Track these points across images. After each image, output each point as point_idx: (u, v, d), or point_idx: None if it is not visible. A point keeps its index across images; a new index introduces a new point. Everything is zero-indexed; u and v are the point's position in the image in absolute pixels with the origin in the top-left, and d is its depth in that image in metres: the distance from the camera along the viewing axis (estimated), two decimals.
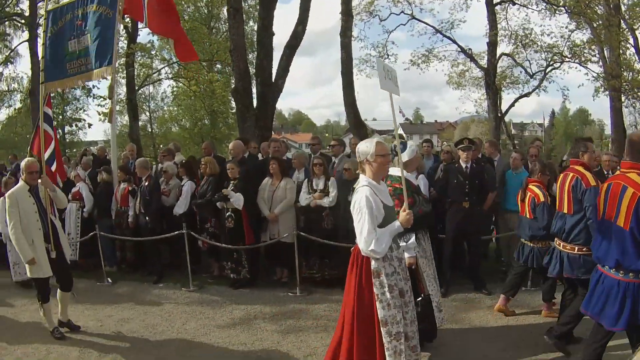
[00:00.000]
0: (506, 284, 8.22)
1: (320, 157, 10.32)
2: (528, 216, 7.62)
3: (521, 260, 7.80)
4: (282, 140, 13.08)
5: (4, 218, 10.45)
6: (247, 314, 8.69)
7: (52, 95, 9.84)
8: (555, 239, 6.52)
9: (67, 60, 9.87)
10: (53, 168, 9.18)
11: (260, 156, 12.21)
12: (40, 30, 30.73)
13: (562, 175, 6.47)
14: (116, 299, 9.87)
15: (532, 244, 7.57)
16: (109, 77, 10.65)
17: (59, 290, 8.11)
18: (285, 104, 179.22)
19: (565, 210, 6.24)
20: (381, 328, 4.76)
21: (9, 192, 7.86)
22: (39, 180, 7.94)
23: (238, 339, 7.58)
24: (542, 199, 7.43)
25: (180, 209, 10.95)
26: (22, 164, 8.04)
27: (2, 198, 10.78)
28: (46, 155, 8.91)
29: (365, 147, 4.97)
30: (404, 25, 28.26)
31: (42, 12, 29.52)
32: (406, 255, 5.50)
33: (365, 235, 4.69)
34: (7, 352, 7.59)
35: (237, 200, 9.87)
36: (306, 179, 10.13)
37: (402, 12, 27.34)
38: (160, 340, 7.73)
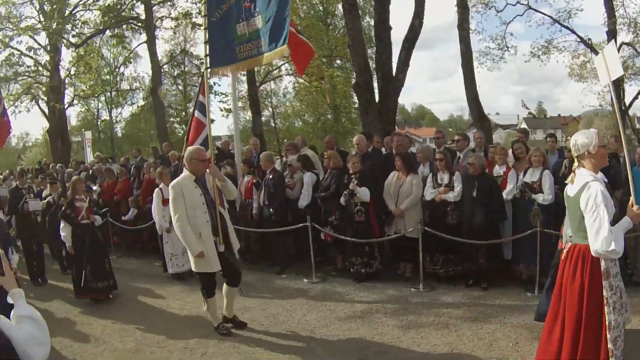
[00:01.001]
0: None
1: (443, 152, 10.18)
2: None
3: None
4: (405, 134, 13.01)
5: (161, 209, 11.33)
6: (368, 307, 8.66)
7: (206, 84, 9.48)
8: None
9: (236, 44, 9.48)
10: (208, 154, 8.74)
11: (384, 150, 12.13)
12: (158, 32, 32.25)
13: None
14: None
15: None
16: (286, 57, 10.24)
17: (225, 285, 7.94)
18: (408, 99, 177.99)
19: None
20: (607, 333, 4.53)
21: (173, 182, 7.60)
22: (207, 170, 7.68)
23: (358, 332, 7.59)
24: None
25: (304, 201, 11.07)
26: (188, 151, 7.74)
27: (156, 189, 11.36)
28: (198, 142, 9.06)
29: (585, 138, 4.74)
30: (521, 15, 27.86)
31: (157, 14, 30.89)
32: None
33: (605, 234, 4.38)
34: (127, 333, 8.17)
35: (364, 193, 9.87)
36: (431, 174, 10.02)
37: (518, 2, 26.89)
38: (280, 331, 7.85)
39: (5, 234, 8.67)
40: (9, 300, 3.34)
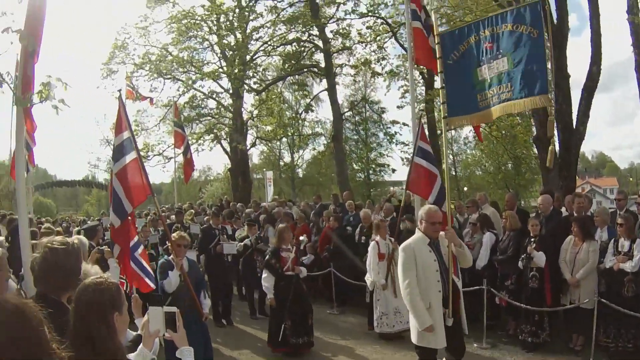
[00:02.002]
0: None
1: (624, 216, 9.81)
2: None
3: None
4: (585, 195, 12.82)
5: (376, 264, 11.11)
6: None
7: (445, 133, 8.97)
8: None
9: (477, 91, 8.23)
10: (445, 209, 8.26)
11: (564, 210, 11.97)
12: (339, 79, 33.19)
13: None
14: (409, 345, 10.34)
15: None
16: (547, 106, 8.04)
17: None
18: (588, 146, 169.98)
19: None
20: None
21: (404, 244, 7.09)
22: (442, 233, 7.15)
23: None
24: None
25: (482, 262, 11.16)
26: (422, 211, 7.25)
27: (373, 242, 11.43)
28: (432, 197, 8.98)
29: None
30: None
31: (337, 61, 31.81)
32: None
33: None
34: None
35: (540, 259, 9.84)
36: (612, 239, 9.72)
37: None
38: None
39: (199, 277, 9.15)
40: (178, 355, 3.92)
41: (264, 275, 10.46)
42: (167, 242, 13.18)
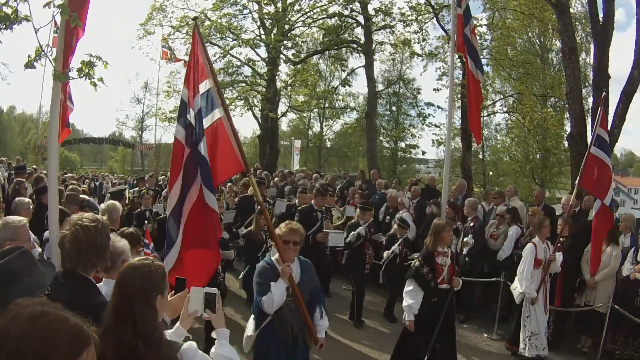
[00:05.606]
0: None
1: None
2: None
3: None
4: (612, 199, 12.80)
5: (530, 271, 9.24)
6: None
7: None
8: None
9: None
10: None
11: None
12: (376, 56, 33.33)
13: None
14: None
15: None
16: None
17: None
18: (617, 144, 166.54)
19: None
20: None
21: None
22: None
23: None
24: None
25: (504, 253, 11.23)
26: None
27: (529, 245, 9.54)
28: (608, 198, 8.51)
29: None
30: None
31: (377, 38, 31.93)
32: None
33: None
34: None
35: (557, 261, 9.63)
36: (633, 248, 9.72)
37: None
38: None
39: (315, 287, 6.31)
40: (213, 335, 4.00)
41: (409, 287, 7.72)
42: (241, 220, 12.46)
